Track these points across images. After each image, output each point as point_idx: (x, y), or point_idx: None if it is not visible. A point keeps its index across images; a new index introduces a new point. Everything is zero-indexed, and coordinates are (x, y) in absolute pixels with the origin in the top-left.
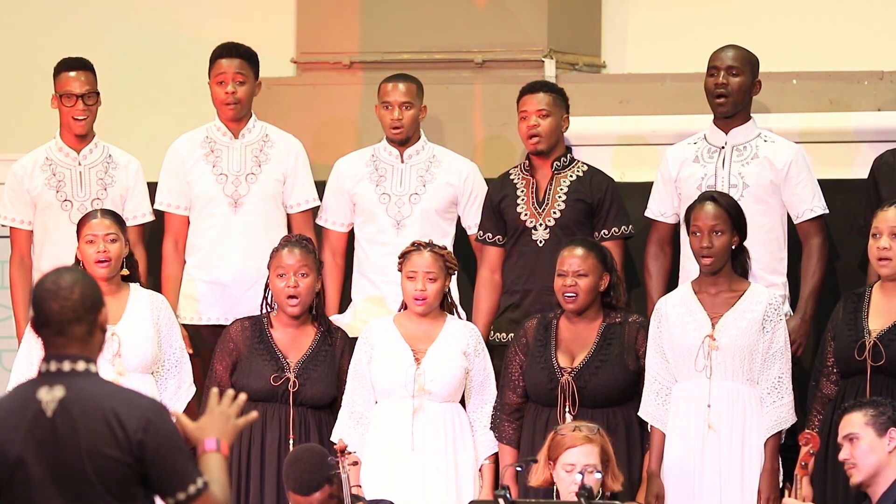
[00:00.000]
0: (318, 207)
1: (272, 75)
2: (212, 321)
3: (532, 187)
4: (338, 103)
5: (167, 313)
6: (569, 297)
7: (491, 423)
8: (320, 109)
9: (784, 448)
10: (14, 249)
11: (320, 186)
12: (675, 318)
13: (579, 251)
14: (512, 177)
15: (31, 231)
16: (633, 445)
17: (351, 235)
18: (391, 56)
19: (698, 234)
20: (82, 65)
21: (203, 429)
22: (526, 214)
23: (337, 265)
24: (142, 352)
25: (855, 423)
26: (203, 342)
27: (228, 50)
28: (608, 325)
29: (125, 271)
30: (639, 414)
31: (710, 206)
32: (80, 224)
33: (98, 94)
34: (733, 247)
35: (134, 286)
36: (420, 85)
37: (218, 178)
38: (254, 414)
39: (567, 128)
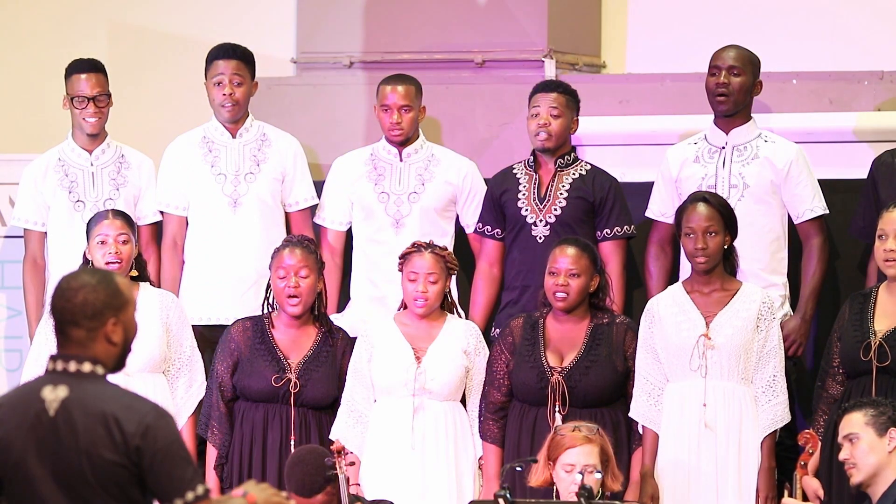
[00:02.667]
0: (316, 206)
1: (272, 75)
2: (212, 321)
3: (534, 183)
4: (338, 103)
5: (177, 312)
6: (559, 296)
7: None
8: (320, 109)
9: (784, 448)
10: (27, 250)
11: (320, 186)
12: (669, 318)
13: (572, 251)
14: (515, 171)
15: (45, 232)
16: (620, 446)
17: (350, 235)
18: (391, 56)
19: (692, 235)
20: (94, 66)
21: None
22: (527, 210)
23: (336, 264)
24: (148, 351)
25: (855, 423)
26: (203, 342)
27: (225, 51)
28: (596, 325)
29: (134, 272)
30: (630, 415)
31: (702, 207)
32: (91, 224)
33: (109, 95)
34: (725, 246)
35: (144, 286)
36: (418, 85)
37: (216, 179)
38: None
39: (576, 130)
